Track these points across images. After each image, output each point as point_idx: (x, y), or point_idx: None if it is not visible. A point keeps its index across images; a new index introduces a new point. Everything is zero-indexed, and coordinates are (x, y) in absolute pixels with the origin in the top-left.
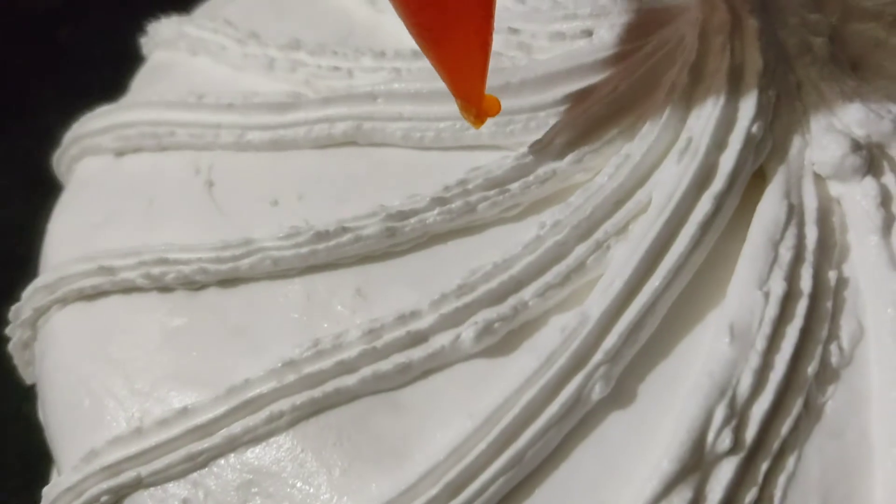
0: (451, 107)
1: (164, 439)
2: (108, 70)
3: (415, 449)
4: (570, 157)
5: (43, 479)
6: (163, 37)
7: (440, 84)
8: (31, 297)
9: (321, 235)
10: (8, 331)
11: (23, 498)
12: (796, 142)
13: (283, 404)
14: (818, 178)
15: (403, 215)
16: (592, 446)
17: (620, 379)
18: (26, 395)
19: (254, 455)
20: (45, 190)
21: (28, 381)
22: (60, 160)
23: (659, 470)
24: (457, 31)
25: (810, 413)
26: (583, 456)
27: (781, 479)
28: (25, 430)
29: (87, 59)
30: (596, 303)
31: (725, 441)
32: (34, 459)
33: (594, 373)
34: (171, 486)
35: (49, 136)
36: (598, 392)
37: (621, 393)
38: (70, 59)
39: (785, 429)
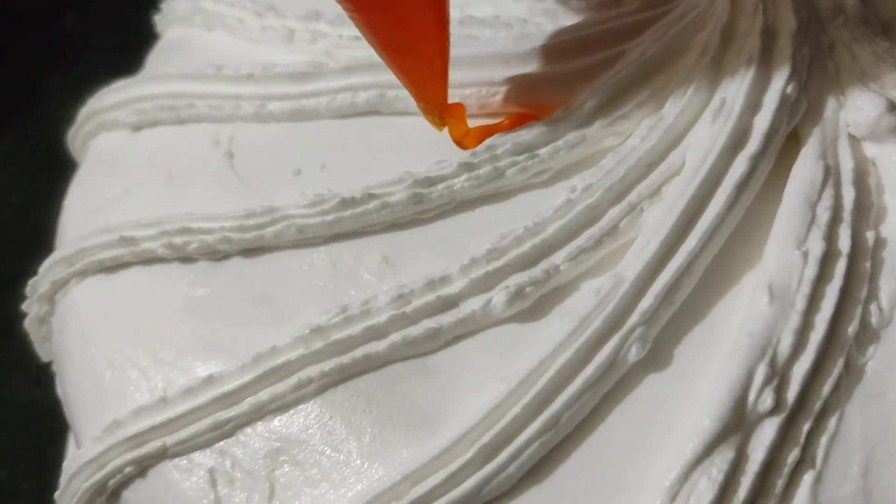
0: (478, 73)
1: (189, 408)
2: (114, 57)
3: (447, 414)
4: (600, 122)
5: (54, 465)
6: (177, 13)
7: (465, 51)
8: (49, 270)
9: (347, 202)
10: (24, 306)
11: (34, 483)
12: (830, 103)
13: (312, 371)
14: (853, 140)
15: (431, 181)
16: (629, 409)
17: (656, 341)
18: (37, 382)
19: (281, 423)
20: (51, 177)
21: (44, 358)
22: (75, 137)
23: (699, 430)
24: (414, 42)
25: (851, 373)
26: (619, 419)
27: (823, 440)
28: (36, 416)
29: (93, 46)
30: (631, 265)
31: (767, 401)
32: (45, 446)
33: (630, 335)
34: (197, 456)
35: (55, 124)
36: (634, 354)
37: (657, 355)
38: (76, 47)
39: (826, 389)
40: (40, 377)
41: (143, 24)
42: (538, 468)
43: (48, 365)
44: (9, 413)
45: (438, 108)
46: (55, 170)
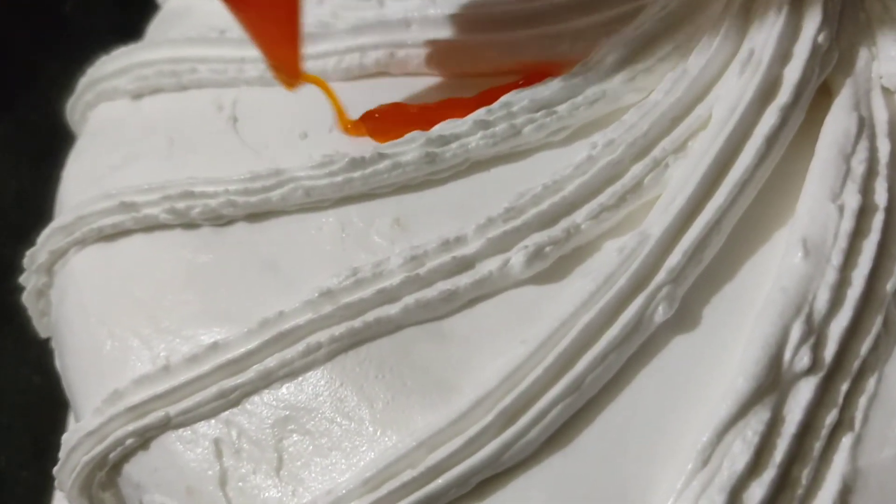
0: (494, 35)
1: (193, 376)
2: (114, 43)
3: (463, 380)
4: (620, 77)
5: (55, 452)
6: None
7: (479, 9)
8: (47, 239)
9: (356, 163)
10: (22, 279)
11: (34, 471)
12: (863, 54)
13: (321, 336)
14: (886, 92)
15: (444, 140)
16: (656, 371)
17: (683, 301)
18: (37, 368)
19: (290, 390)
20: (52, 162)
21: (42, 334)
22: (74, 108)
23: (733, 390)
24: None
25: (890, 332)
26: (646, 381)
27: (862, 401)
28: (36, 403)
29: (93, 30)
30: (656, 222)
31: (804, 359)
32: (46, 433)
33: (656, 294)
34: (202, 426)
35: (56, 109)
36: (661, 314)
37: (685, 315)
38: (76, 31)
39: (864, 348)
40: (40, 363)
41: (144, 9)
42: (561, 433)
43: (48, 351)
44: (9, 400)
45: (289, 70)
46: (56, 155)
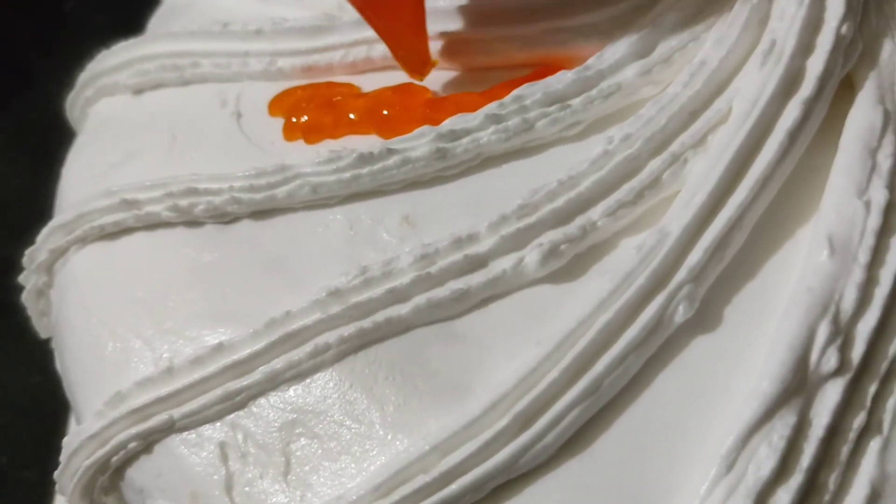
0: (505, 28)
1: (197, 378)
2: (114, 42)
3: (476, 382)
4: (636, 69)
5: (56, 453)
6: None
7: (490, 2)
8: (47, 238)
9: (365, 158)
10: (21, 278)
11: (36, 471)
12: (887, 46)
13: (329, 337)
14: None
15: (455, 135)
16: (676, 372)
17: (704, 301)
18: (38, 367)
19: (297, 392)
20: (52, 160)
21: (43, 334)
22: (74, 104)
23: (758, 392)
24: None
25: None
26: (666, 383)
27: (891, 404)
28: (37, 402)
29: (93, 29)
30: (675, 219)
31: (831, 361)
32: (47, 433)
33: (677, 293)
34: (207, 430)
35: (55, 108)
36: (681, 314)
37: (706, 315)
38: (76, 30)
39: (893, 349)
40: (41, 362)
41: (144, 7)
42: (578, 437)
43: (49, 350)
44: (9, 399)
45: (418, 61)
46: (55, 152)
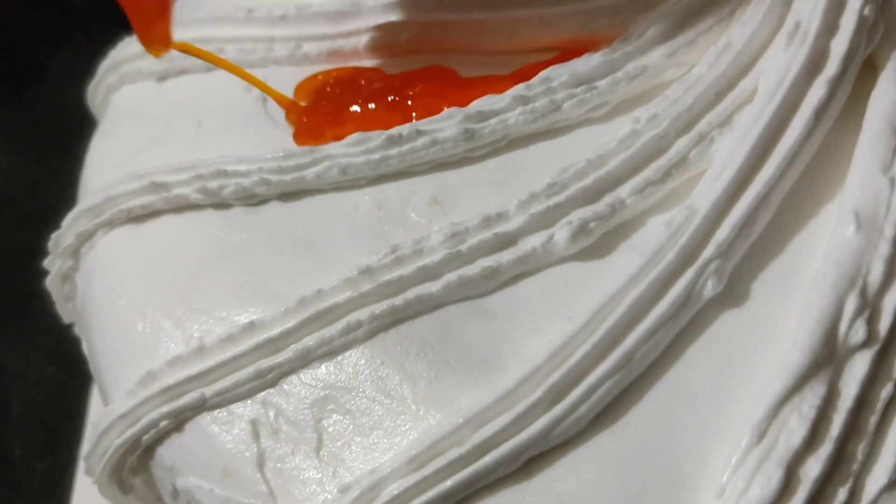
0: (530, 10)
1: (229, 356)
2: (124, 33)
3: (507, 357)
4: (661, 51)
5: (69, 443)
6: None
7: None
8: (73, 221)
9: (393, 139)
10: (46, 263)
11: (48, 462)
12: None
13: (361, 314)
14: None
15: (483, 116)
16: (706, 346)
17: (732, 276)
18: (51, 359)
19: (329, 370)
20: (61, 153)
21: (66, 319)
22: (95, 92)
23: (788, 363)
24: None
25: None
26: (696, 356)
27: None
28: (49, 394)
29: (102, 22)
30: (703, 196)
31: (859, 333)
32: (59, 424)
33: (705, 268)
34: (238, 407)
35: (65, 101)
36: (710, 289)
37: (733, 291)
38: (85, 23)
39: None
40: (54, 354)
41: None
42: (610, 409)
43: (62, 342)
44: (22, 390)
45: (159, 41)
46: (66, 146)
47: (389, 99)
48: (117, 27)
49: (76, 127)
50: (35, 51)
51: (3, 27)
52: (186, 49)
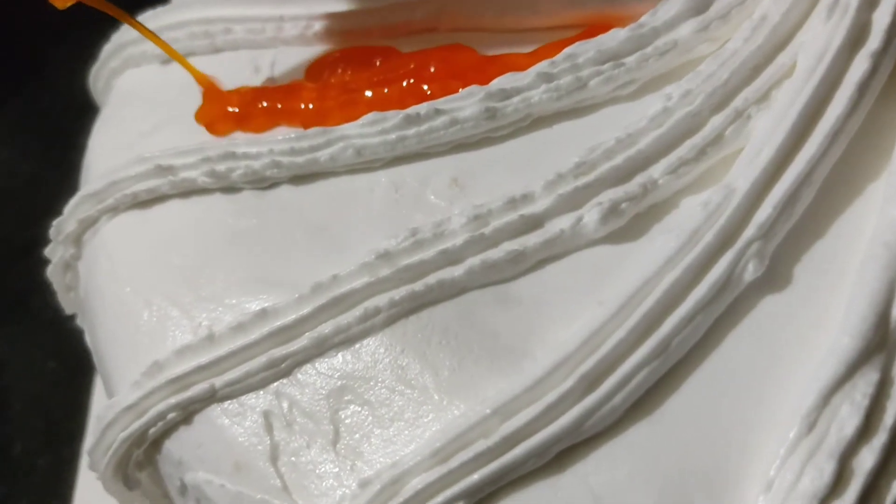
0: None
1: (240, 345)
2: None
3: (534, 344)
4: (692, 26)
5: (71, 439)
6: None
7: None
8: (76, 207)
9: (411, 119)
10: (47, 251)
11: (50, 459)
12: None
13: (379, 300)
14: None
15: (505, 94)
16: (747, 332)
17: (773, 259)
18: (52, 354)
19: (346, 358)
20: (62, 146)
21: (67, 309)
22: (98, 76)
23: (838, 349)
24: None
25: None
26: (737, 343)
27: None
28: (51, 389)
29: (103, 17)
30: (742, 175)
31: None
32: (61, 419)
33: (746, 250)
34: (250, 398)
35: (65, 93)
36: (751, 272)
37: (775, 274)
38: (84, 16)
39: None
40: (55, 349)
41: None
42: (647, 399)
43: (62, 336)
44: (23, 386)
45: None
46: (65, 138)
47: (405, 84)
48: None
49: (76, 119)
50: (34, 43)
51: (3, 19)
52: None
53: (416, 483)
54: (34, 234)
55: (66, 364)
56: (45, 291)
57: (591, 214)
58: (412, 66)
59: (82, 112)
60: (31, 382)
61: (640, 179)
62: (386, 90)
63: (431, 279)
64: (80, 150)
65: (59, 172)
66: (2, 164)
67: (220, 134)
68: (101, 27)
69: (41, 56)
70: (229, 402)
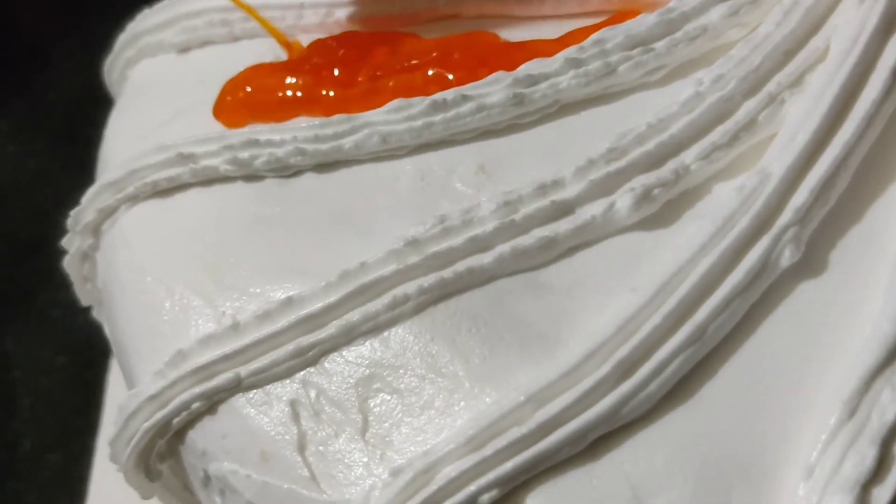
0: None
1: (266, 334)
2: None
3: (567, 331)
4: (722, 10)
5: (81, 435)
6: None
7: None
8: (94, 197)
9: (437, 105)
10: (64, 242)
11: (60, 454)
12: None
13: (408, 288)
14: None
15: (532, 80)
16: (784, 318)
17: (809, 245)
18: (62, 349)
19: (374, 346)
20: (69, 142)
21: (84, 301)
22: (113, 66)
23: (879, 335)
24: None
25: None
26: (773, 329)
27: None
28: (61, 385)
29: (110, 10)
30: (777, 159)
31: None
32: (71, 415)
33: (782, 235)
34: (276, 388)
35: (72, 89)
36: (787, 257)
37: (811, 260)
38: (92, 12)
39: None
40: (66, 345)
41: None
42: (682, 386)
43: (73, 332)
44: (32, 382)
45: None
46: (73, 134)
47: (430, 73)
48: (124, 14)
49: (84, 114)
50: (41, 39)
51: (9, 15)
52: None
53: (449, 471)
54: (41, 229)
55: (76, 359)
56: (53, 287)
57: (623, 200)
58: (435, 53)
59: (88, 107)
60: (40, 378)
61: (672, 165)
62: (407, 77)
63: (460, 266)
64: (86, 146)
65: (66, 168)
66: (8, 160)
67: (236, 126)
68: (106, 23)
69: (45, 52)
70: (255, 391)
